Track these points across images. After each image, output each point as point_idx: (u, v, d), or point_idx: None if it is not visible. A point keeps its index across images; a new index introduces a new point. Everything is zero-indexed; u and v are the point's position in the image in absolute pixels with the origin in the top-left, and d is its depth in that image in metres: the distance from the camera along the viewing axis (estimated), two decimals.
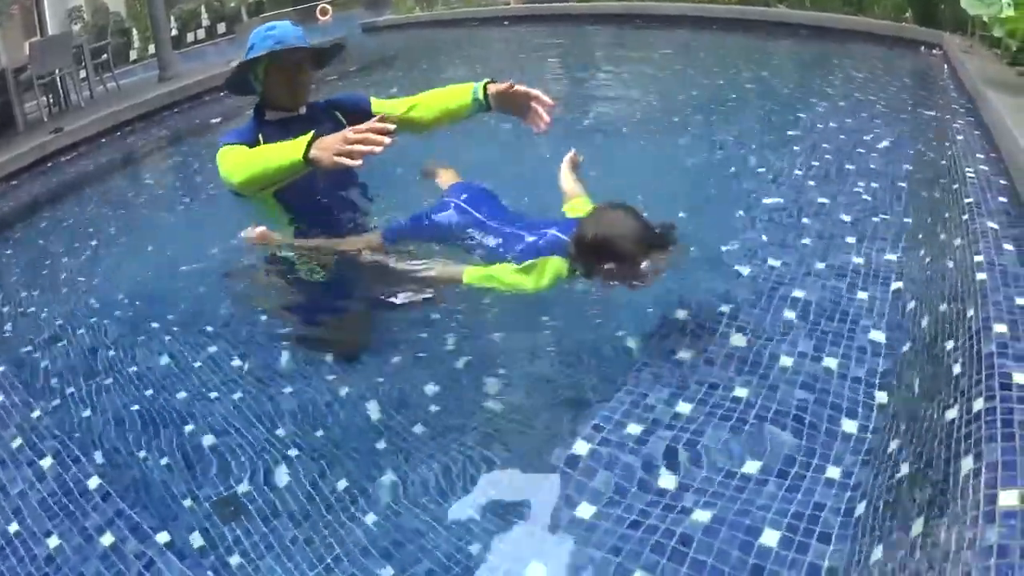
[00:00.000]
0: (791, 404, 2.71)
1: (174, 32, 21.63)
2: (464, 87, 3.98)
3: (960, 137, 4.87)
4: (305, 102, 4.10)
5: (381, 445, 2.85)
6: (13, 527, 2.69)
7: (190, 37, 23.34)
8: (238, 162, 3.62)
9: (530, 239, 3.44)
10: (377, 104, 4.19)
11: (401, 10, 18.59)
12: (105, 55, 12.16)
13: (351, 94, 4.38)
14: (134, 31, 21.69)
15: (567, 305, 3.47)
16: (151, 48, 13.12)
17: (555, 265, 3.25)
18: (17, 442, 3.17)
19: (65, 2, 20.99)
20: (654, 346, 3.15)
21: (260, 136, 3.86)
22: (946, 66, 7.70)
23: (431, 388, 3.14)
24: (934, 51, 8.57)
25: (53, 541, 2.59)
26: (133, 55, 20.63)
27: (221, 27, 24.54)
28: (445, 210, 3.81)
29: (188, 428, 3.13)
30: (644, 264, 3.01)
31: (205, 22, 24.49)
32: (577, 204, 3.79)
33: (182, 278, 4.44)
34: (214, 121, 9.43)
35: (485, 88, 3.89)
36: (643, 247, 3.01)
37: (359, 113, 3.97)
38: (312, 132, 3.31)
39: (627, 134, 6.53)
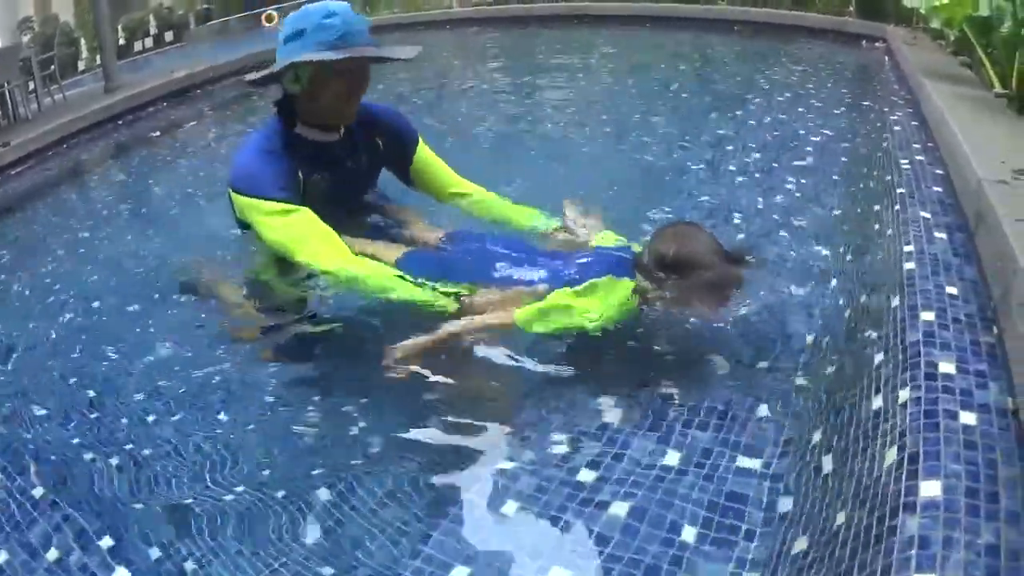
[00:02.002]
0: (714, 396, 2.73)
1: (121, 41, 21.45)
2: (533, 215, 3.56)
3: (897, 128, 4.91)
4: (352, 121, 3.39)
5: (324, 455, 2.83)
6: None
7: (138, 46, 23.15)
8: (339, 259, 3.06)
9: (581, 260, 3.07)
10: (424, 150, 3.67)
11: None
12: (53, 66, 12.01)
13: (395, 115, 3.70)
14: (82, 41, 21.50)
15: None
16: (100, 58, 12.95)
17: (624, 286, 2.87)
18: None
19: (15, 13, 20.73)
20: (578, 343, 3.12)
21: (291, 158, 3.22)
22: (887, 59, 7.77)
23: (367, 399, 3.09)
24: (877, 44, 8.64)
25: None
26: (82, 65, 20.45)
27: (169, 35, 24.37)
28: (471, 243, 3.38)
29: (134, 437, 3.07)
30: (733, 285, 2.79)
31: (153, 30, 24.30)
32: (608, 236, 3.37)
33: (129, 289, 4.37)
34: (154, 135, 9.34)
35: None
36: (728, 262, 2.76)
37: (400, 145, 3.60)
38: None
39: (564, 133, 6.58)
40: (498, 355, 3.07)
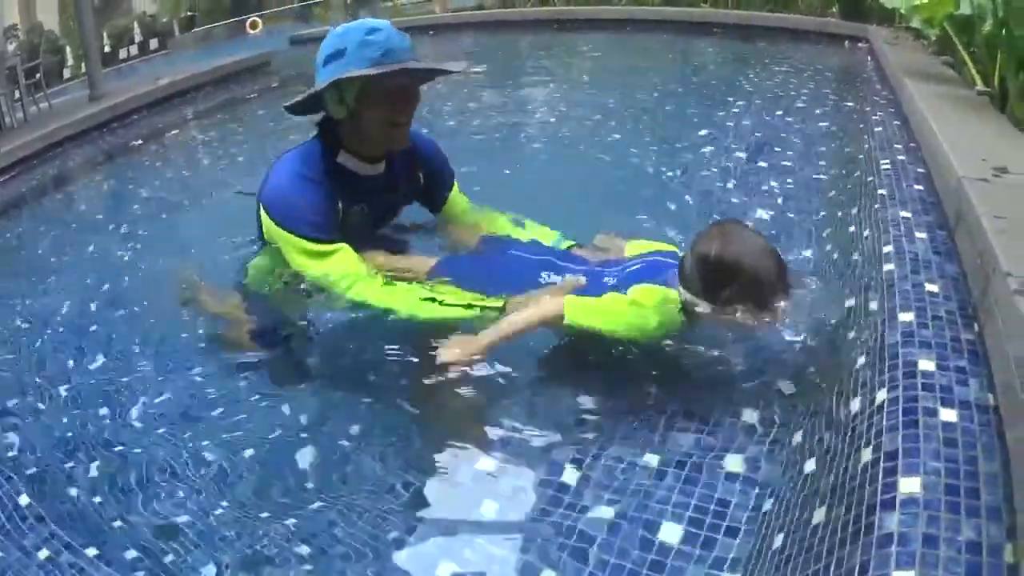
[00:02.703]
0: (696, 399, 2.73)
1: (107, 49, 21.44)
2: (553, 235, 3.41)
3: (879, 129, 4.93)
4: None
5: (308, 465, 2.81)
6: None
7: (123, 53, 23.14)
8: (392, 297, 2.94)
9: (632, 268, 2.89)
10: (456, 189, 3.55)
11: (327, 22, 18.59)
12: (38, 75, 11.96)
13: (437, 149, 3.51)
14: (67, 49, 21.47)
15: None
16: (84, 66, 12.92)
17: (672, 296, 2.65)
18: None
19: (1, 22, 20.71)
20: (559, 348, 3.13)
21: (331, 188, 3.04)
22: (870, 59, 7.80)
23: (355, 404, 3.07)
24: (860, 44, 8.67)
25: None
26: (67, 73, 20.42)
27: (154, 43, 24.37)
28: (509, 249, 3.21)
29: (118, 450, 3.05)
30: (784, 292, 2.53)
31: (138, 38, 24.29)
32: (640, 244, 3.20)
33: (114, 300, 4.36)
34: (139, 143, 9.32)
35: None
36: (781, 269, 2.54)
37: (439, 184, 3.47)
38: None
39: (544, 136, 6.58)
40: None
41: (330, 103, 3.00)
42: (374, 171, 3.18)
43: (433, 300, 2.90)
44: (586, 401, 2.80)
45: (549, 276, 2.98)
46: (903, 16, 7.68)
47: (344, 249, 3.00)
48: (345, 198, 3.09)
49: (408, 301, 2.92)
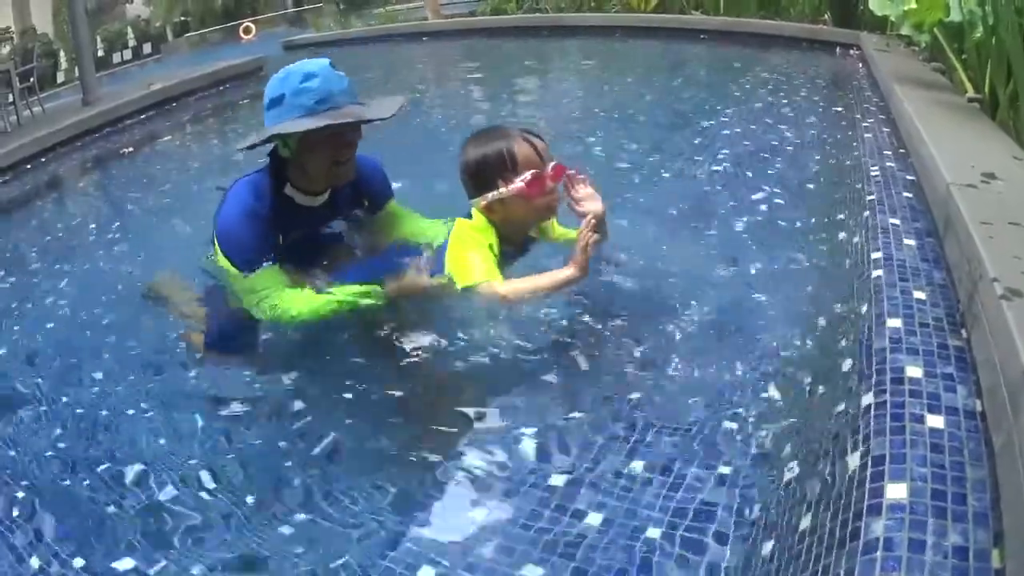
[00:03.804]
0: (684, 407, 2.74)
1: (100, 53, 21.44)
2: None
3: (868, 136, 4.94)
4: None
5: (295, 465, 2.81)
6: None
7: (116, 58, 23.15)
8: (294, 301, 3.14)
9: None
10: (392, 204, 3.68)
11: (320, 28, 18.63)
12: (32, 79, 11.95)
13: (377, 170, 3.60)
14: (61, 53, 21.49)
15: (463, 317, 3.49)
16: (78, 70, 12.91)
17: (474, 217, 3.15)
18: None
19: None
20: (546, 353, 3.14)
21: (275, 219, 3.21)
22: (861, 66, 7.81)
23: (340, 400, 3.08)
24: (851, 51, 8.69)
25: None
26: (61, 77, 20.43)
27: (147, 47, 24.38)
28: (393, 255, 3.39)
29: (110, 450, 3.05)
30: (551, 164, 3.05)
31: (132, 43, 24.30)
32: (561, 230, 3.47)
33: (106, 307, 4.32)
34: (132, 148, 9.32)
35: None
36: (530, 139, 3.09)
37: (376, 202, 3.60)
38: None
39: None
40: (475, 356, 3.12)
41: (278, 147, 3.23)
42: (318, 202, 3.34)
43: (330, 294, 3.12)
44: (571, 407, 2.81)
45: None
46: (894, 23, 7.70)
47: (267, 270, 3.20)
48: (290, 227, 3.27)
49: (308, 300, 3.14)
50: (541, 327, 3.28)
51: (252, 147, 3.22)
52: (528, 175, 2.99)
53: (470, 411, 2.86)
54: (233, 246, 3.17)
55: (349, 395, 3.08)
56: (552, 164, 3.07)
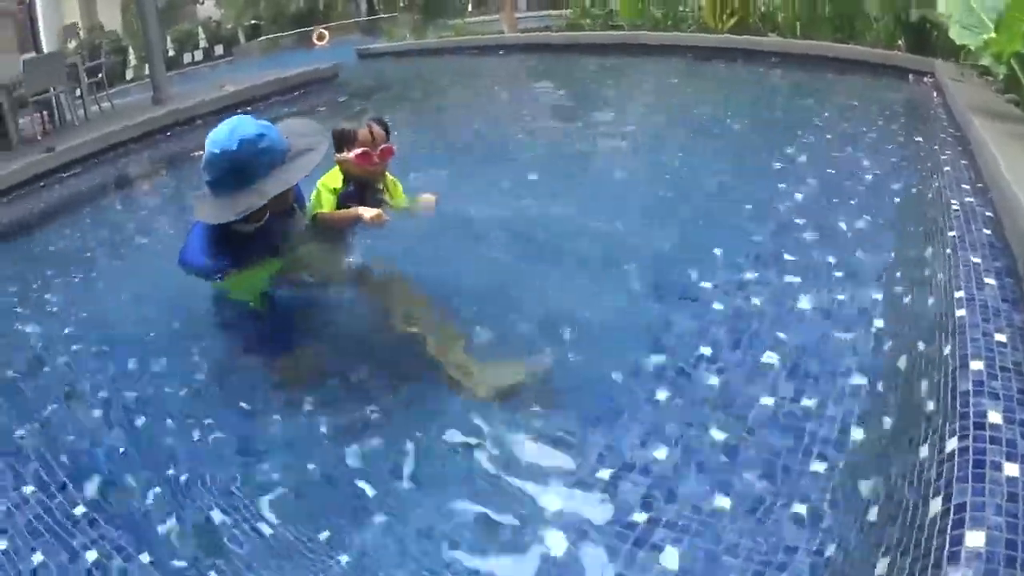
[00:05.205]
0: (765, 444, 2.71)
1: (171, 53, 21.72)
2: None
3: (947, 168, 4.87)
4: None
5: (360, 481, 2.83)
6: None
7: (187, 58, 23.43)
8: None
9: None
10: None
11: (394, 37, 18.69)
12: (100, 74, 12.08)
13: (299, 190, 4.00)
14: (131, 50, 21.77)
15: (547, 345, 3.51)
16: (148, 68, 13.02)
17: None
18: None
19: (61, 19, 21.02)
20: (630, 385, 3.15)
21: (225, 250, 3.59)
22: (936, 94, 7.70)
23: (411, 435, 3.04)
24: (925, 79, 8.57)
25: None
26: (130, 74, 20.69)
27: (219, 49, 24.67)
28: None
29: (170, 455, 3.10)
30: (380, 146, 3.99)
31: (202, 44, 24.61)
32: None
33: (167, 306, 4.35)
34: (197, 153, 9.38)
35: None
36: (372, 126, 4.02)
37: (301, 204, 4.06)
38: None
39: (614, 164, 6.55)
40: (549, 390, 3.18)
41: None
42: (259, 224, 3.68)
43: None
44: (658, 441, 2.79)
45: None
46: (969, 52, 7.58)
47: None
48: (239, 245, 3.64)
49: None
50: (625, 353, 3.35)
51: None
52: (359, 150, 3.97)
53: (549, 450, 2.86)
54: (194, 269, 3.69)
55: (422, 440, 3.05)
56: (381, 147, 4.02)
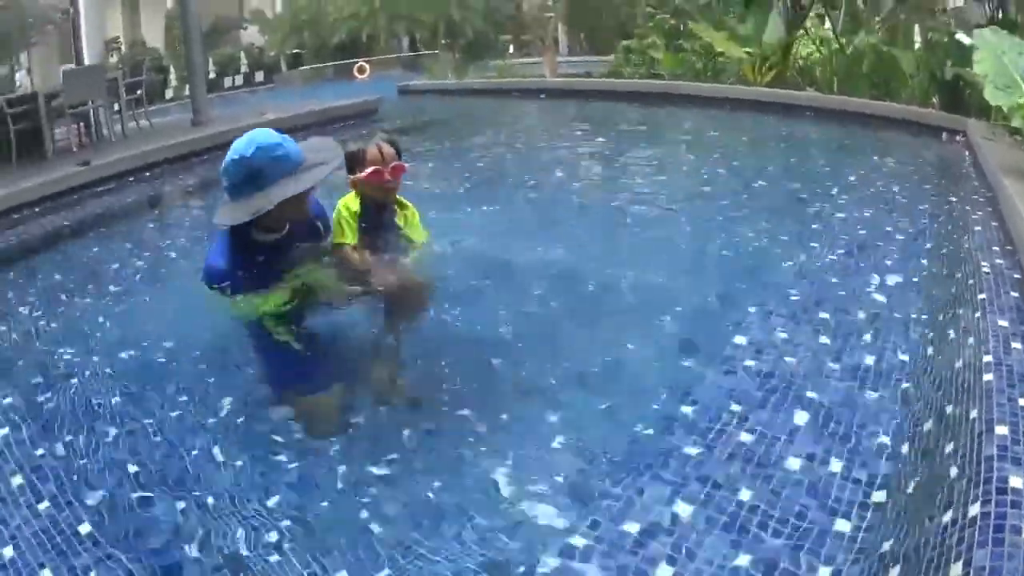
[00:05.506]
0: (791, 504, 2.70)
1: (212, 75, 21.89)
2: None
3: (978, 228, 4.88)
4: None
5: (375, 523, 2.85)
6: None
7: (227, 82, 23.63)
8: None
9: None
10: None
11: (436, 75, 18.78)
12: (140, 91, 12.04)
13: (322, 209, 4.07)
14: (171, 69, 21.97)
15: (576, 393, 3.54)
16: (188, 89, 13.09)
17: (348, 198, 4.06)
18: (18, 480, 3.19)
19: (104, 32, 21.20)
20: (658, 441, 3.15)
21: (245, 259, 3.64)
22: (968, 153, 7.71)
23: (429, 481, 3.05)
24: (957, 137, 8.57)
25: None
26: (169, 93, 20.87)
27: (259, 75, 24.89)
28: None
29: (184, 485, 3.12)
30: (391, 164, 3.94)
31: (244, 68, 24.82)
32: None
33: (195, 329, 4.36)
34: None
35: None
36: (381, 146, 3.98)
37: (328, 227, 4.06)
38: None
39: (651, 215, 6.54)
40: (577, 442, 3.19)
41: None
42: (278, 236, 3.76)
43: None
44: (680, 502, 2.78)
45: None
46: (1002, 113, 7.58)
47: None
48: (259, 257, 3.72)
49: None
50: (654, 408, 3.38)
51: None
52: (370, 169, 3.92)
53: (573, 502, 2.89)
54: (214, 280, 3.72)
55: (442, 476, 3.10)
56: (392, 164, 3.97)
